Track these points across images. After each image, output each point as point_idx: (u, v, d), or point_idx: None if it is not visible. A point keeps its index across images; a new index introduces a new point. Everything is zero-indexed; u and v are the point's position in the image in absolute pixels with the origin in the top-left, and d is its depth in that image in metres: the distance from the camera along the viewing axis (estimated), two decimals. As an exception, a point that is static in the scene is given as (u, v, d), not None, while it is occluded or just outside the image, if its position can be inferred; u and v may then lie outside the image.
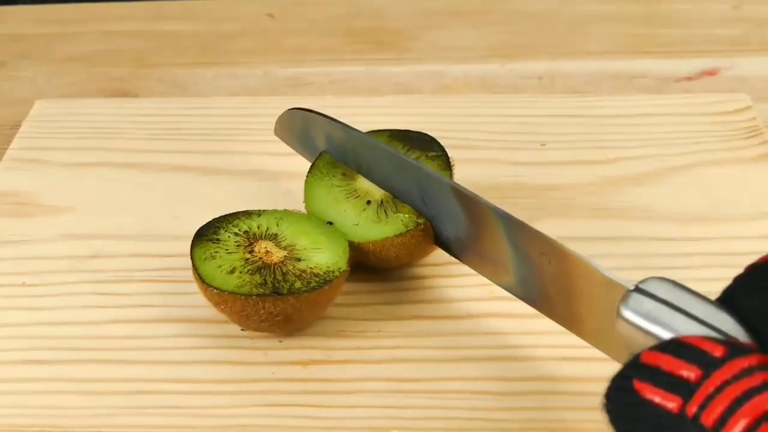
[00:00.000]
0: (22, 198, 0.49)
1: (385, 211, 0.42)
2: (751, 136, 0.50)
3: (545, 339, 0.40)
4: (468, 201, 0.38)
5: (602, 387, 0.29)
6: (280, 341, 0.40)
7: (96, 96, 0.59)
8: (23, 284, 0.44)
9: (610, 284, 0.31)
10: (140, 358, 0.40)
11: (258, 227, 0.41)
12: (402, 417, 0.37)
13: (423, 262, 0.44)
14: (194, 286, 0.41)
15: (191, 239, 0.40)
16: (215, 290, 0.38)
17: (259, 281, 0.38)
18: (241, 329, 0.41)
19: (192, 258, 0.40)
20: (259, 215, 0.42)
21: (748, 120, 0.52)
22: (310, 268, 0.39)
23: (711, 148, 0.50)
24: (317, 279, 0.39)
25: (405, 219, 0.41)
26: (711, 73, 0.59)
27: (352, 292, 0.42)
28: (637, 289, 0.29)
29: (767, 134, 0.51)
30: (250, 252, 0.40)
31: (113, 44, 0.65)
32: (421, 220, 0.41)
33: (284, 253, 0.40)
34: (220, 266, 0.39)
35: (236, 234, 0.41)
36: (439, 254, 0.44)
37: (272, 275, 0.39)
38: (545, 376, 0.39)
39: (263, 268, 0.39)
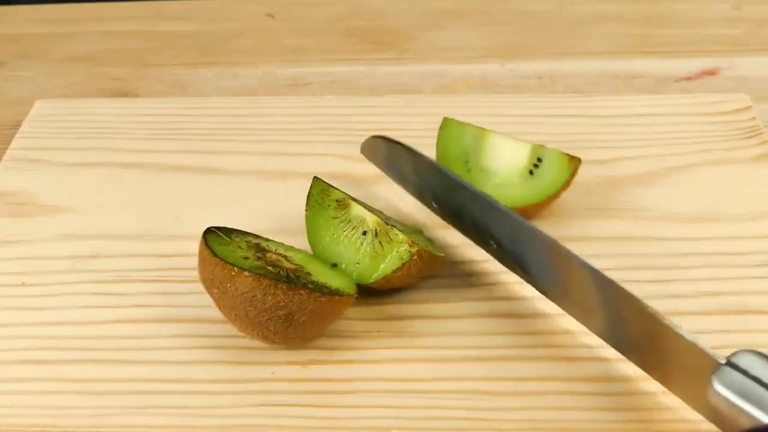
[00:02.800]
0: (22, 198, 0.49)
1: (380, 243, 0.41)
2: (751, 136, 0.50)
3: (545, 339, 0.40)
4: (559, 255, 0.38)
5: (602, 387, 0.30)
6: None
7: (96, 96, 0.59)
8: (23, 284, 0.44)
9: (702, 355, 0.33)
10: (140, 358, 0.40)
11: (267, 245, 0.41)
12: (402, 417, 0.37)
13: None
14: (194, 287, 0.41)
15: (195, 237, 0.40)
16: (227, 264, 0.37)
17: (273, 271, 0.38)
18: (233, 326, 0.40)
19: (204, 241, 0.39)
20: (267, 241, 0.42)
21: (748, 120, 0.52)
22: (322, 281, 0.39)
23: (711, 148, 0.50)
24: (328, 289, 0.38)
25: (400, 250, 0.41)
26: (711, 73, 0.59)
27: (352, 292, 0.42)
28: (729, 363, 0.32)
29: (767, 134, 0.51)
30: (262, 255, 0.40)
31: (113, 44, 0.65)
32: (413, 249, 0.40)
33: (296, 266, 0.40)
34: (233, 252, 0.39)
35: (247, 242, 0.41)
36: (439, 254, 0.44)
37: (285, 271, 0.39)
38: (545, 376, 0.39)
39: (276, 266, 0.39)
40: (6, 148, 0.52)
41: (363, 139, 0.51)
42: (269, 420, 0.37)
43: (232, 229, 0.41)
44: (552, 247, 0.38)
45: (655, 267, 0.43)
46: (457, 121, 0.47)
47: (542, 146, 0.46)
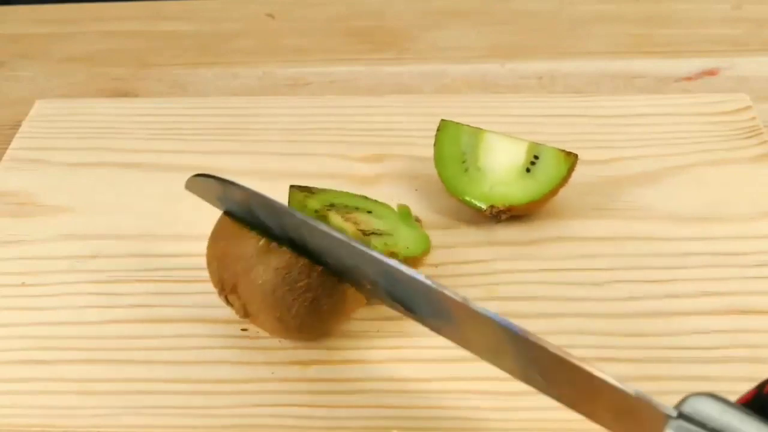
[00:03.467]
0: (22, 198, 0.49)
1: None
2: (751, 136, 0.50)
3: (545, 339, 0.40)
4: (452, 303, 0.32)
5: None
6: (280, 341, 0.40)
7: (96, 96, 0.59)
8: (23, 284, 0.44)
9: (648, 408, 0.27)
10: (140, 358, 0.40)
11: (350, 207, 0.42)
12: (402, 417, 0.37)
13: (422, 262, 0.44)
14: (195, 287, 0.42)
15: (195, 237, 0.40)
16: (268, 240, 0.37)
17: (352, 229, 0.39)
18: (242, 316, 0.39)
19: (230, 218, 0.38)
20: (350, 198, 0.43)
21: (748, 120, 0.52)
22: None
23: (711, 148, 0.50)
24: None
25: None
26: (711, 73, 0.59)
27: (352, 292, 0.43)
28: (681, 415, 0.27)
29: (767, 134, 0.51)
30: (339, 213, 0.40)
31: (113, 44, 0.65)
32: (400, 259, 0.40)
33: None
34: (264, 233, 0.38)
35: (327, 201, 0.41)
36: (438, 254, 0.44)
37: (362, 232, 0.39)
38: (545, 376, 0.39)
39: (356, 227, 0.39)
40: (6, 148, 0.52)
41: (363, 139, 0.52)
42: (269, 420, 0.37)
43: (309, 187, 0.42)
44: (432, 292, 0.32)
45: (655, 267, 0.43)
46: (454, 122, 0.47)
47: (539, 144, 0.46)
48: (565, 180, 0.45)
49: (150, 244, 0.46)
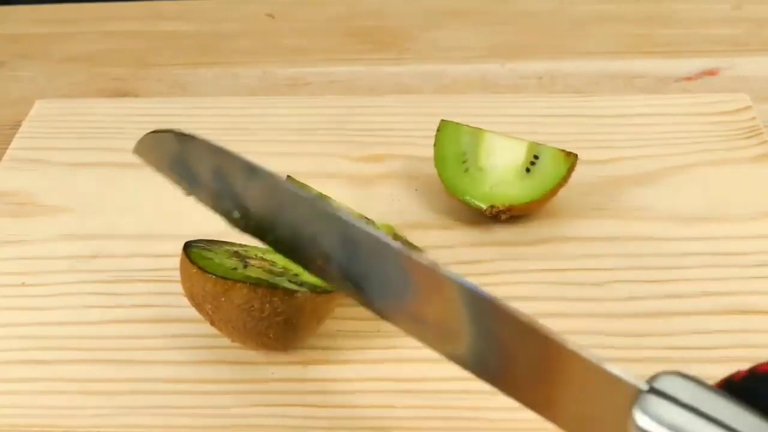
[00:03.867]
0: (22, 198, 0.49)
1: None
2: (751, 136, 0.50)
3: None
4: (418, 268, 0.30)
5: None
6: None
7: (96, 96, 0.59)
8: (23, 284, 0.44)
9: (617, 382, 0.26)
10: (140, 358, 0.40)
11: (246, 252, 0.40)
12: (402, 417, 0.37)
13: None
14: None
15: (195, 237, 0.40)
16: (219, 278, 0.36)
17: (265, 277, 0.38)
18: (231, 341, 0.39)
19: (187, 257, 0.38)
20: (244, 247, 0.41)
21: (748, 120, 0.52)
22: (312, 280, 0.38)
23: (711, 148, 0.50)
24: (321, 288, 0.38)
25: None
26: (711, 73, 0.59)
27: (352, 292, 0.42)
28: (652, 390, 0.26)
29: (767, 134, 0.50)
30: (245, 266, 0.39)
31: (113, 44, 0.65)
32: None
33: (282, 269, 0.39)
34: (220, 264, 0.38)
35: (227, 251, 0.40)
36: (438, 254, 0.44)
37: (274, 276, 0.38)
38: (545, 376, 0.39)
39: (267, 271, 0.39)
40: (6, 148, 0.53)
41: (363, 139, 0.51)
42: (269, 420, 0.37)
43: (209, 240, 0.40)
44: (400, 257, 0.30)
45: (655, 267, 0.43)
46: (454, 122, 0.47)
47: (539, 144, 0.46)
48: (565, 180, 0.45)
49: (150, 244, 0.46)
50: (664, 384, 0.26)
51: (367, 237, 0.30)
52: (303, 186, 0.44)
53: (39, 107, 0.56)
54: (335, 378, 0.39)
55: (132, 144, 0.53)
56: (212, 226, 0.42)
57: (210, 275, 0.37)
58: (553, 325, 0.40)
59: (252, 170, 0.33)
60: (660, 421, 0.25)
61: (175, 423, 0.37)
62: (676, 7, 0.66)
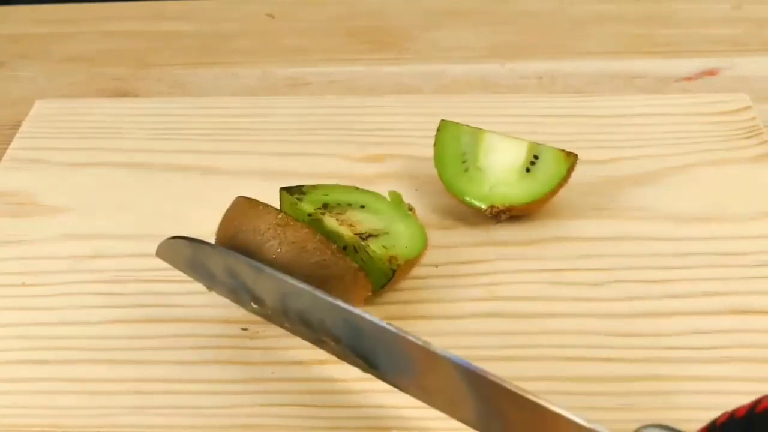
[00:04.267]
0: (22, 198, 0.49)
1: (362, 259, 0.41)
2: (751, 136, 0.50)
3: (545, 339, 0.40)
4: (413, 347, 0.32)
5: (601, 387, 0.29)
6: (279, 341, 0.40)
7: (96, 96, 0.59)
8: (23, 284, 0.44)
9: None
10: (140, 358, 0.40)
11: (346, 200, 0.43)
12: (402, 417, 0.37)
13: (422, 262, 0.44)
14: (195, 286, 0.41)
15: (195, 237, 0.40)
16: (286, 215, 0.38)
17: (339, 230, 0.39)
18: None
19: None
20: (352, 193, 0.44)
21: (748, 120, 0.52)
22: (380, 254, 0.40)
23: (711, 148, 0.50)
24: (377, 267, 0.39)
25: (383, 267, 0.40)
26: (711, 73, 0.59)
27: (352, 292, 0.43)
28: None
29: (767, 134, 0.51)
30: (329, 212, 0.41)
31: (113, 44, 0.65)
32: (394, 265, 0.40)
33: (370, 231, 0.41)
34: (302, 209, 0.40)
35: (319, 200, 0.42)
36: (438, 254, 0.44)
37: (345, 238, 0.40)
38: (545, 376, 0.39)
39: (349, 226, 0.40)
40: (6, 148, 0.53)
41: (363, 139, 0.52)
42: (269, 420, 0.37)
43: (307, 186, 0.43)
44: (396, 339, 0.32)
45: (655, 267, 0.43)
46: (454, 122, 0.47)
47: (539, 144, 0.46)
48: (565, 180, 0.45)
49: (150, 244, 0.46)
50: None
51: (365, 321, 0.33)
52: (296, 203, 0.43)
53: (39, 107, 0.56)
54: (335, 378, 0.39)
55: (132, 144, 0.53)
56: (212, 226, 0.42)
57: (280, 211, 0.38)
58: (553, 325, 0.41)
59: (258, 270, 0.36)
60: None
61: (175, 423, 0.37)
62: (676, 7, 0.66)
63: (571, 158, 0.45)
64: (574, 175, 0.45)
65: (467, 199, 0.45)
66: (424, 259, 0.44)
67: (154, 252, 0.45)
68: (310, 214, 0.42)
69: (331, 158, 0.51)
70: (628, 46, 0.62)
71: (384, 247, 0.40)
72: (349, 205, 0.43)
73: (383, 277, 0.40)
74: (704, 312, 0.41)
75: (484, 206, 0.45)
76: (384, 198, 0.45)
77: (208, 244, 0.38)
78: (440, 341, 0.40)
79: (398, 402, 0.38)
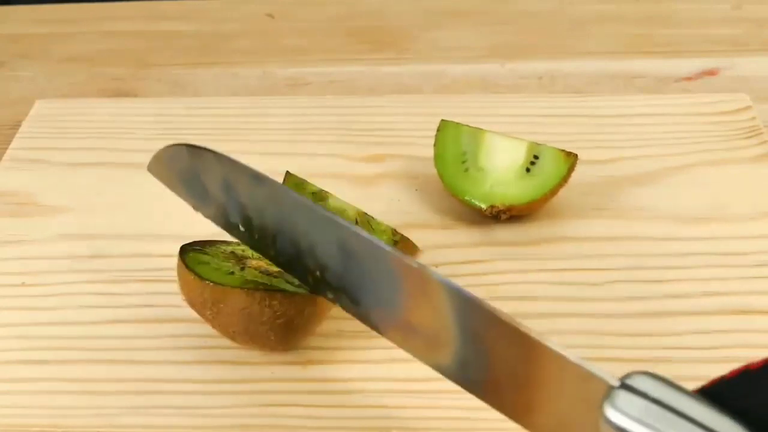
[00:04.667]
0: (22, 198, 0.49)
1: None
2: (751, 136, 0.50)
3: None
4: (408, 271, 0.31)
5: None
6: (280, 341, 0.40)
7: (96, 96, 0.59)
8: (23, 284, 0.44)
9: (590, 379, 0.27)
10: (140, 358, 0.40)
11: (243, 251, 0.40)
12: (402, 417, 0.37)
13: (422, 261, 0.44)
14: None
15: (195, 237, 0.40)
16: (216, 285, 0.36)
17: (262, 280, 0.38)
18: (231, 341, 0.39)
19: (183, 262, 0.38)
20: (240, 245, 0.40)
21: (748, 120, 0.52)
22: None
23: (711, 148, 0.50)
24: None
25: (382, 238, 0.41)
26: (711, 73, 0.59)
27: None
28: (623, 386, 0.26)
29: (767, 134, 0.51)
30: (242, 267, 0.39)
31: (113, 44, 0.65)
32: (397, 236, 0.41)
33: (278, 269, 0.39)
34: (217, 269, 0.38)
35: (224, 252, 0.40)
36: (438, 254, 0.44)
37: (272, 278, 0.38)
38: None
39: (264, 273, 0.39)
40: (6, 148, 0.53)
41: (363, 139, 0.51)
42: (269, 420, 0.37)
43: (204, 241, 0.40)
44: (394, 260, 0.31)
45: (655, 267, 0.43)
46: (454, 122, 0.47)
47: (539, 144, 0.46)
48: (565, 180, 0.45)
49: (149, 244, 0.46)
50: (636, 382, 0.26)
51: (360, 239, 0.31)
52: (303, 182, 0.44)
53: (39, 107, 0.56)
54: (335, 378, 0.39)
55: (132, 144, 0.53)
56: (211, 226, 0.42)
57: (207, 282, 0.37)
58: (553, 325, 0.41)
59: (257, 177, 0.34)
60: (629, 416, 0.26)
61: (175, 423, 0.37)
62: (676, 7, 0.66)
63: (571, 158, 0.45)
64: (574, 175, 0.45)
65: (467, 199, 0.45)
66: (424, 260, 0.44)
67: (154, 252, 0.45)
68: (314, 192, 0.43)
69: (331, 158, 0.51)
70: (628, 46, 0.62)
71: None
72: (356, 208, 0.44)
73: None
74: (704, 312, 0.41)
75: (484, 206, 0.45)
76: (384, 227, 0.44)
77: (210, 150, 0.36)
78: (440, 341, 0.40)
79: (398, 402, 0.38)
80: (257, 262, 0.39)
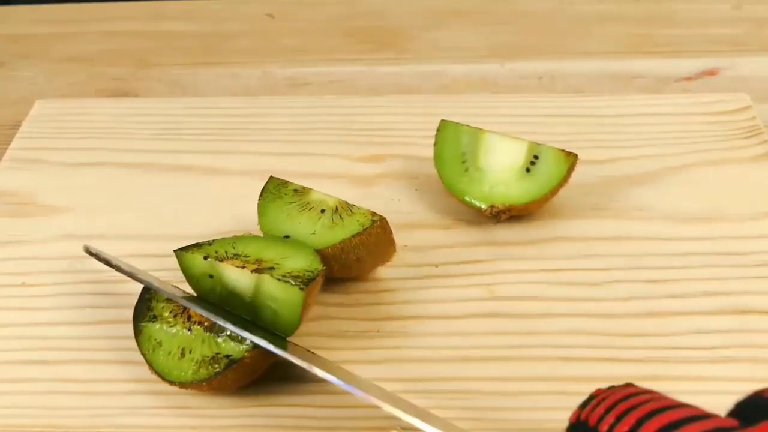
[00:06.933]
0: (22, 198, 0.49)
1: (340, 216, 0.42)
2: (751, 136, 0.50)
3: (545, 339, 0.40)
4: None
5: (601, 387, 0.29)
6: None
7: (96, 96, 0.59)
8: (23, 284, 0.44)
9: None
10: (140, 358, 0.40)
11: (216, 252, 0.39)
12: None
13: (422, 262, 0.44)
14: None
15: (195, 237, 0.40)
16: (176, 383, 0.37)
17: (208, 355, 0.37)
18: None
19: (140, 349, 0.39)
20: (211, 244, 0.40)
21: (748, 120, 0.52)
22: (287, 273, 0.37)
23: (711, 147, 0.50)
24: (299, 279, 0.37)
25: (362, 219, 0.41)
26: (711, 73, 0.59)
27: (350, 293, 0.42)
28: None
29: (767, 134, 0.51)
30: (188, 318, 0.39)
31: (113, 44, 0.65)
32: (377, 217, 0.41)
33: (254, 266, 0.38)
34: (169, 353, 0.38)
35: (167, 301, 0.40)
36: (438, 254, 0.44)
37: (215, 338, 0.38)
38: (545, 376, 0.39)
39: (208, 330, 0.38)
40: (6, 148, 0.53)
41: (363, 139, 0.51)
42: (269, 420, 0.37)
43: (158, 286, 0.40)
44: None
45: (655, 267, 0.43)
46: (454, 122, 0.47)
47: (539, 144, 0.46)
48: (564, 180, 0.45)
49: (150, 244, 0.46)
50: None
51: None
52: (285, 183, 0.44)
53: (39, 107, 0.56)
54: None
55: (132, 144, 0.53)
56: (210, 226, 0.42)
57: (167, 382, 0.38)
58: (552, 325, 0.41)
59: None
60: None
61: (174, 423, 0.37)
62: (676, 7, 0.66)
63: (571, 158, 0.45)
64: (574, 175, 0.45)
65: (467, 199, 0.45)
66: (424, 260, 0.44)
67: (154, 252, 0.45)
68: (295, 190, 0.43)
69: (331, 158, 0.51)
70: (628, 46, 0.62)
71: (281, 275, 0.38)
72: (236, 255, 0.40)
73: (358, 226, 0.40)
74: (704, 312, 0.41)
75: (484, 206, 0.45)
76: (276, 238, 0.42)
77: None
78: (440, 341, 0.40)
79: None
80: (231, 261, 0.38)
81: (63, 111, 0.55)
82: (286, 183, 0.44)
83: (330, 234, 0.41)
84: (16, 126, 0.55)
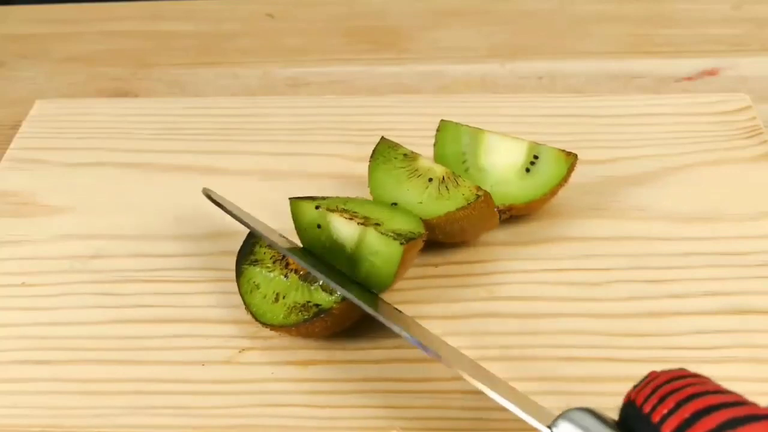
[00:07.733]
0: (22, 198, 0.49)
1: (447, 187, 0.43)
2: (751, 136, 0.50)
3: (545, 339, 0.40)
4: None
5: (601, 387, 0.29)
6: (280, 337, 0.40)
7: (96, 96, 0.59)
8: (23, 284, 0.44)
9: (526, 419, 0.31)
10: (140, 358, 0.40)
11: (327, 205, 0.41)
12: (402, 417, 0.37)
13: (422, 262, 0.44)
14: (194, 287, 0.41)
15: (195, 237, 0.40)
16: (268, 325, 0.39)
17: (300, 302, 0.39)
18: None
19: (239, 289, 0.41)
20: (324, 199, 0.42)
21: (748, 120, 0.52)
22: (391, 230, 0.39)
23: (711, 148, 0.50)
24: (401, 236, 0.39)
25: (466, 193, 0.42)
26: (711, 73, 0.59)
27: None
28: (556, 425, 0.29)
29: (767, 134, 0.51)
30: (286, 266, 0.41)
31: (113, 44, 0.65)
32: (481, 192, 0.42)
33: (361, 221, 0.40)
34: (264, 296, 0.40)
35: (269, 247, 0.42)
36: (437, 254, 0.44)
37: (308, 287, 0.40)
38: (545, 376, 0.39)
39: (303, 279, 0.40)
40: (6, 148, 0.53)
41: (363, 139, 0.51)
42: (269, 420, 0.37)
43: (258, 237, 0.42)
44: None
45: (655, 267, 0.43)
46: (454, 122, 0.47)
47: (539, 144, 0.46)
48: (564, 180, 0.45)
49: (150, 244, 0.46)
50: (569, 416, 0.29)
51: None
52: (396, 145, 0.45)
53: (39, 107, 0.56)
54: (335, 378, 0.39)
55: (132, 144, 0.53)
56: (211, 226, 0.42)
57: (260, 322, 0.40)
58: (553, 325, 0.41)
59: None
60: None
61: (175, 423, 0.37)
62: (676, 7, 0.66)
63: (571, 158, 0.45)
64: (574, 175, 0.45)
65: (467, 199, 0.45)
66: (424, 260, 0.44)
67: (154, 252, 0.45)
68: (405, 154, 0.45)
69: (330, 158, 0.51)
70: (628, 46, 0.62)
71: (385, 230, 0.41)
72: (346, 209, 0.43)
73: (464, 200, 0.42)
74: (704, 312, 0.41)
75: None
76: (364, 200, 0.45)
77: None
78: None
79: (398, 402, 0.38)
80: (339, 214, 0.40)
81: (63, 111, 0.55)
82: (396, 146, 0.45)
83: (436, 205, 0.42)
84: (16, 126, 0.55)
